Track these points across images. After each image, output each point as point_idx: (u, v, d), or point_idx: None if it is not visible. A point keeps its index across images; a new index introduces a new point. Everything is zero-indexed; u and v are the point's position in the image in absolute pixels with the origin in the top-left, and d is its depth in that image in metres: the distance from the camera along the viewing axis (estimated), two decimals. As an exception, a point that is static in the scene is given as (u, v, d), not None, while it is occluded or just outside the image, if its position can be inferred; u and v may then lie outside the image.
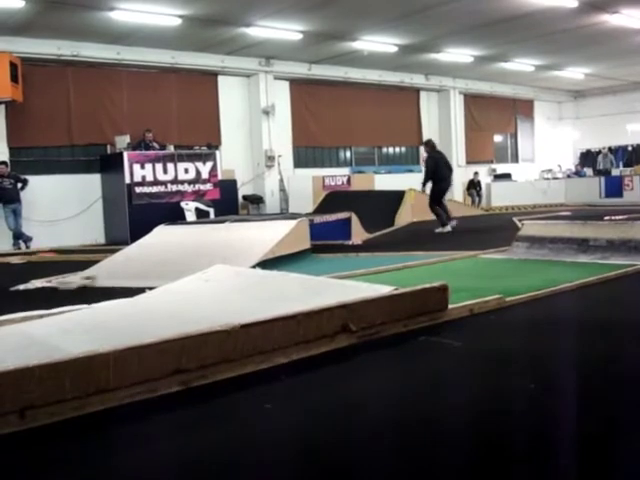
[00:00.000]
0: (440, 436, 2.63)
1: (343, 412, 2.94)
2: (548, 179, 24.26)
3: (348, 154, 21.64)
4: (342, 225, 11.33)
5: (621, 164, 24.56)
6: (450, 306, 4.54)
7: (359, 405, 3.02)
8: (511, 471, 2.29)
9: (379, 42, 16.99)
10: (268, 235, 8.78)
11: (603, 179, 22.38)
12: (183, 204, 14.38)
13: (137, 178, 14.12)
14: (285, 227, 9.09)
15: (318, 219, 10.70)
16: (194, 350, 3.29)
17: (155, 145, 14.91)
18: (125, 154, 14.12)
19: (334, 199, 15.92)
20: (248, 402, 3.10)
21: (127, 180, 14.02)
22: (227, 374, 3.36)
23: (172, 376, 3.21)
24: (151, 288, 5.72)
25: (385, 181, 20.01)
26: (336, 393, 3.20)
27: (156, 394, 3.12)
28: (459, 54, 19.11)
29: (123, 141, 14.66)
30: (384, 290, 4.29)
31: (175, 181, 14.67)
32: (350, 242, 11.10)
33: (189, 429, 2.79)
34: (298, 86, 19.63)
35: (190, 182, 14.92)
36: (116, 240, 13.66)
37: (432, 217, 15.21)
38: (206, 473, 2.36)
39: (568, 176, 24.36)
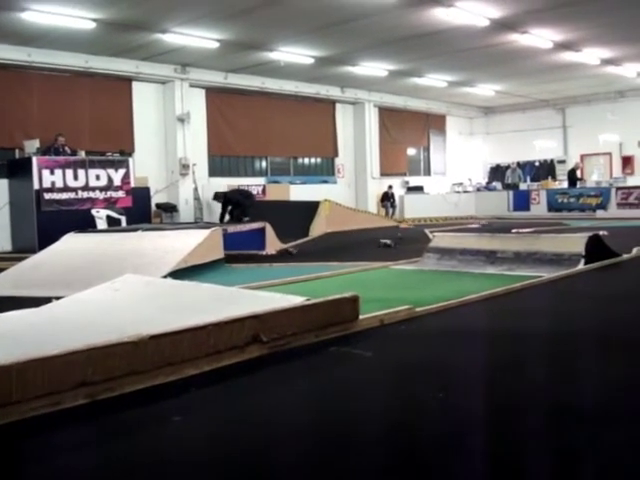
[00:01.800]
0: (353, 445, 2.65)
1: (253, 424, 2.93)
2: (459, 192, 24.85)
3: (264, 164, 21.64)
4: (256, 235, 11.30)
5: (529, 179, 25.41)
6: (361, 316, 4.59)
7: (270, 416, 3.02)
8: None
9: (296, 53, 17.08)
10: (181, 244, 8.69)
11: (511, 193, 23.09)
12: (94, 212, 14.05)
13: (46, 184, 13.71)
14: (198, 236, 9.01)
15: (232, 229, 10.65)
16: (101, 362, 3.22)
17: (67, 150, 14.52)
18: (34, 159, 13.68)
19: (249, 209, 15.84)
20: (156, 415, 3.05)
21: (36, 186, 13.58)
22: (135, 386, 3.30)
23: (78, 388, 3.13)
24: (58, 297, 5.56)
25: (300, 191, 20.13)
26: (246, 404, 3.19)
27: (61, 407, 3.04)
28: (374, 68, 19.40)
29: (32, 146, 14.20)
30: (296, 301, 4.30)
31: (86, 188, 14.32)
32: (264, 252, 11.08)
33: (94, 443, 2.73)
34: (214, 94, 19.52)
35: (101, 189, 14.59)
36: (24, 248, 13.21)
37: (347, 228, 15.45)
38: (111, 488, 2.31)
39: (478, 189, 25.02)
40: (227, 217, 15.17)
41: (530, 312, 5.53)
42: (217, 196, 14.55)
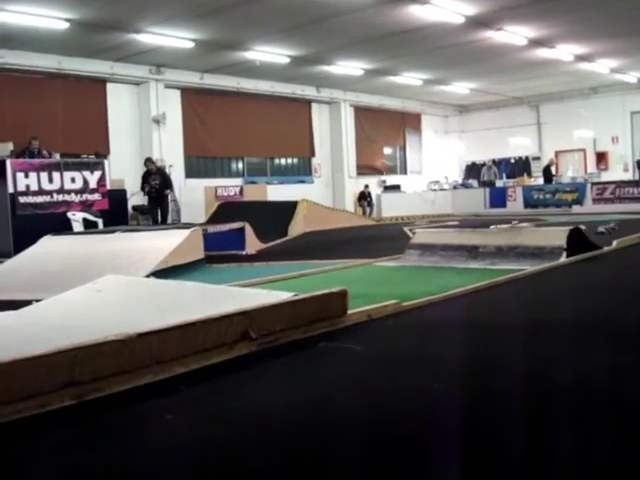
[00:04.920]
0: (347, 438, 2.61)
1: (245, 421, 2.87)
2: (435, 190, 24.90)
3: (240, 165, 21.58)
4: (236, 235, 11.23)
5: (504, 176, 25.52)
6: (349, 312, 4.54)
7: (261, 413, 2.96)
8: (420, 470, 2.29)
9: (271, 53, 17.05)
10: (160, 245, 8.59)
11: (488, 190, 23.16)
12: (70, 214, 13.85)
13: (21, 187, 13.47)
14: (178, 237, 8.91)
15: (212, 229, 10.57)
16: (87, 361, 3.13)
17: (45, 153, 14.32)
18: (8, 162, 13.45)
19: (227, 210, 15.78)
20: (147, 414, 2.98)
21: (10, 189, 13.35)
22: (124, 386, 3.22)
23: (64, 389, 3.04)
24: (38, 300, 5.45)
25: (277, 192, 20.08)
26: (238, 402, 3.12)
27: (47, 409, 2.95)
28: (350, 67, 19.42)
29: (6, 149, 13.99)
30: (283, 296, 4.24)
31: (61, 191, 14.10)
32: (244, 252, 11.01)
33: (83, 445, 2.64)
34: (190, 95, 19.42)
35: (77, 192, 14.38)
36: (-2, 252, 13.02)
37: (325, 227, 15.43)
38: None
39: (454, 187, 25.08)
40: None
41: (516, 304, 5.54)
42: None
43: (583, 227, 8.82)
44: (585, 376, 3.29)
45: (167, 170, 18.03)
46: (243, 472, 2.34)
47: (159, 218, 15.73)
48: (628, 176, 23.44)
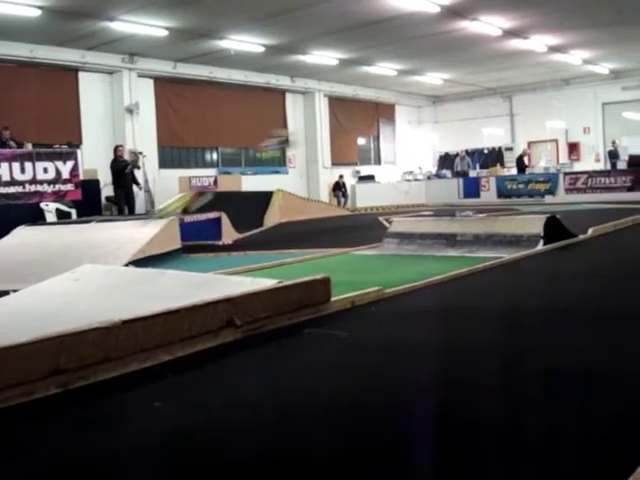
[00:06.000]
0: (333, 425, 2.60)
1: (232, 408, 2.85)
2: (409, 180, 24.91)
3: (215, 155, 21.46)
4: (212, 225, 11.17)
5: (478, 166, 25.63)
6: (332, 299, 4.54)
7: (247, 400, 2.94)
8: (405, 453, 2.29)
9: (246, 42, 16.96)
10: (137, 235, 8.51)
11: (461, 180, 23.23)
12: (43, 205, 13.70)
13: (-8, 178, 13.32)
14: (155, 226, 8.84)
15: (188, 218, 10.51)
16: (73, 349, 3.09)
17: (12, 144, 14.13)
18: (-22, 152, 13.30)
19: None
20: (134, 402, 2.95)
21: (-19, 180, 13.20)
22: (110, 374, 3.18)
23: (50, 377, 3.00)
24: (15, 290, 5.38)
25: (252, 182, 19.99)
26: (224, 389, 3.10)
27: (33, 397, 2.91)
28: (324, 56, 19.38)
29: (-24, 139, 13.82)
30: (268, 284, 4.22)
31: (34, 181, 13.93)
32: (221, 242, 10.96)
33: (70, 434, 2.61)
34: (163, 84, 19.26)
35: (50, 182, 14.21)
36: (-31, 243, 12.81)
37: (300, 217, 15.42)
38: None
39: (428, 178, 25.11)
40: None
41: (495, 290, 5.59)
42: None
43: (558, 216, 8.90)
44: (562, 357, 3.33)
45: (140, 161, 17.92)
46: (230, 459, 2.32)
47: (126, 208, 15.81)
48: (600, 166, 23.68)
